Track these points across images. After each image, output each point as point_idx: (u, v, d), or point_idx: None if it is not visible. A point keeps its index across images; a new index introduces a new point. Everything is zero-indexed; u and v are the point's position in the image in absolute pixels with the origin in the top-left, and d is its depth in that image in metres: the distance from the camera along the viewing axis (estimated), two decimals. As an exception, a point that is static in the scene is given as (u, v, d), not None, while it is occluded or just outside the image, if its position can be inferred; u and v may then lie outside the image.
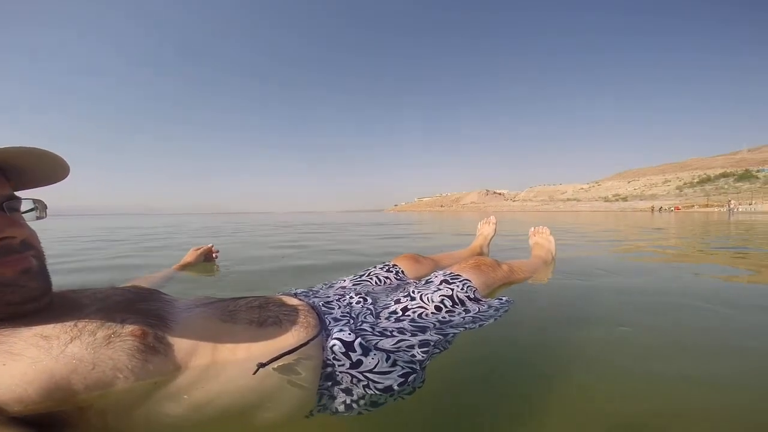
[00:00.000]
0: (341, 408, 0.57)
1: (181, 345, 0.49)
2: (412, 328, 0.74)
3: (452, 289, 0.96)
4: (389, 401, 0.60)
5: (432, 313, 0.86)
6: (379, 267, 1.37)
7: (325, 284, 1.23)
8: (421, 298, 0.91)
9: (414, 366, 0.62)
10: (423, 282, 1.05)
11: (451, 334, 0.76)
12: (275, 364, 0.52)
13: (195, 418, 0.47)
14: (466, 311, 0.91)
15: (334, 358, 0.58)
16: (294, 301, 0.67)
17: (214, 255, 2.09)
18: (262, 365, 0.50)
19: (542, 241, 2.10)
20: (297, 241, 3.95)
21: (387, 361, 0.59)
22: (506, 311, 0.97)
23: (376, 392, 0.57)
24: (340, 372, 0.57)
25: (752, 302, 1.28)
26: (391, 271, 1.35)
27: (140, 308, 0.52)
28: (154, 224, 9.69)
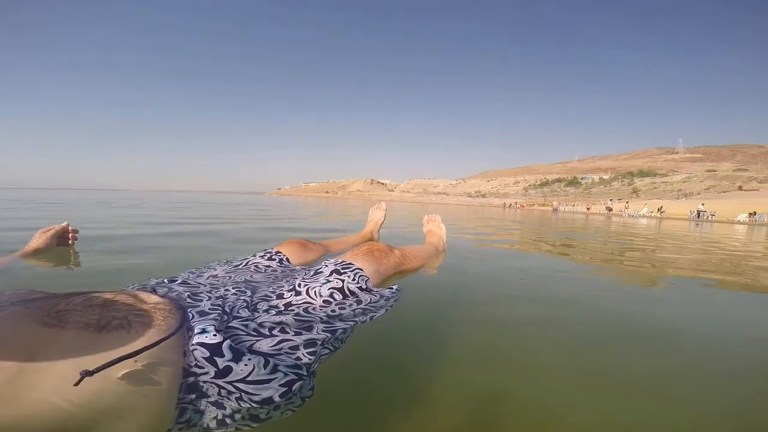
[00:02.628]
0: (213, 424, 0.48)
1: None
2: (297, 325, 0.65)
3: (343, 281, 0.90)
4: (275, 415, 0.51)
5: (320, 306, 0.78)
6: (259, 254, 1.23)
7: (192, 272, 1.04)
8: (307, 293, 0.82)
9: (299, 371, 0.52)
10: (311, 272, 0.96)
11: (341, 330, 0.68)
12: (118, 373, 0.39)
13: None
14: (358, 302, 0.85)
15: (196, 365, 0.46)
16: (151, 298, 0.52)
17: (70, 237, 1.63)
18: (88, 373, 0.37)
19: (435, 228, 2.14)
20: (166, 222, 3.42)
21: (265, 367, 0.49)
22: (396, 300, 0.94)
23: (253, 405, 0.47)
24: (204, 382, 0.46)
25: (556, 271, 1.60)
26: (274, 259, 1.22)
27: None
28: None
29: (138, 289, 0.71)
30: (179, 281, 0.86)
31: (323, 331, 0.66)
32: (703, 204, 24.76)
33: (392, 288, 0.99)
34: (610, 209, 29.36)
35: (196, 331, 0.50)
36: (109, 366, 0.38)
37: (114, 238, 2.23)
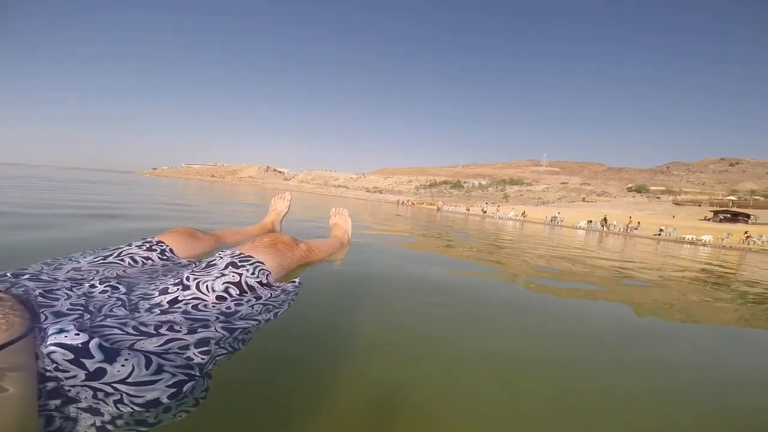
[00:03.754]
0: None
1: None
2: (188, 324, 0.59)
3: (240, 274, 0.83)
4: (165, 418, 0.47)
5: (213, 303, 0.71)
6: (136, 245, 1.06)
7: (47, 264, 0.85)
8: (197, 287, 0.73)
9: (190, 371, 0.49)
10: (203, 264, 0.86)
11: (240, 329, 0.64)
12: None
13: None
14: (257, 298, 0.79)
15: (56, 369, 0.40)
16: None
17: None
18: None
19: (341, 221, 2.12)
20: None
21: (147, 367, 0.45)
22: (297, 294, 0.91)
23: (136, 408, 0.43)
24: (73, 386, 0.41)
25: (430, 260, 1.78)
26: (155, 250, 1.06)
27: None
28: None
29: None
30: (27, 275, 0.69)
31: (221, 329, 0.60)
32: (559, 213, 29.89)
33: (294, 282, 0.96)
34: (485, 211, 33.39)
35: (51, 331, 0.42)
36: None
37: None
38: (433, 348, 0.87)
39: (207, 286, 0.75)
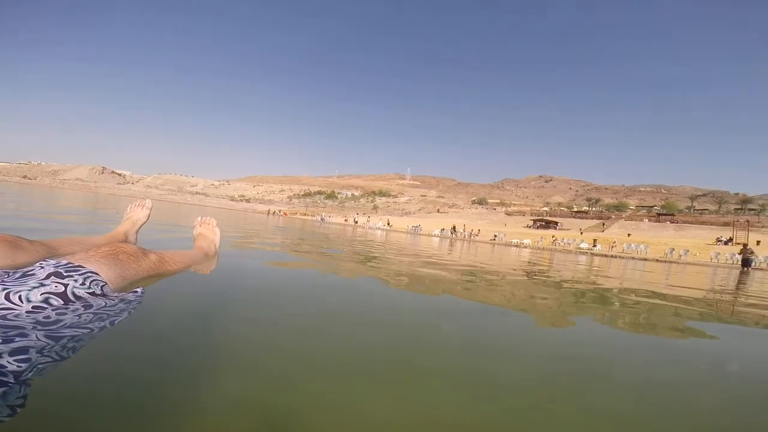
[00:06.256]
0: None
1: None
2: (2, 332, 0.53)
3: (66, 285, 0.73)
4: None
5: (27, 312, 0.64)
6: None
7: None
8: (7, 297, 0.64)
9: (3, 378, 0.46)
10: (18, 275, 0.74)
11: (68, 338, 0.59)
12: None
13: None
14: (86, 307, 0.73)
15: None
16: None
17: None
18: None
19: (207, 232, 1.97)
20: None
21: None
22: (140, 303, 0.84)
23: None
24: None
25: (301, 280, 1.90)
26: (-40, 259, 0.87)
27: None
28: None
29: None
30: None
31: (43, 338, 0.57)
32: (419, 225, 33.15)
33: (136, 291, 0.91)
34: (356, 222, 34.84)
35: None
36: None
37: None
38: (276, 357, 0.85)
39: (20, 296, 0.68)
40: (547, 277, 3.54)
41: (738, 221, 33.03)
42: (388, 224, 31.97)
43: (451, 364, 0.92)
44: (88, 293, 0.78)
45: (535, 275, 3.57)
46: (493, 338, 1.22)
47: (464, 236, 25.83)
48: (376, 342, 1.01)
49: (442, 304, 1.69)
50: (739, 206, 58.10)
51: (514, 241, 22.66)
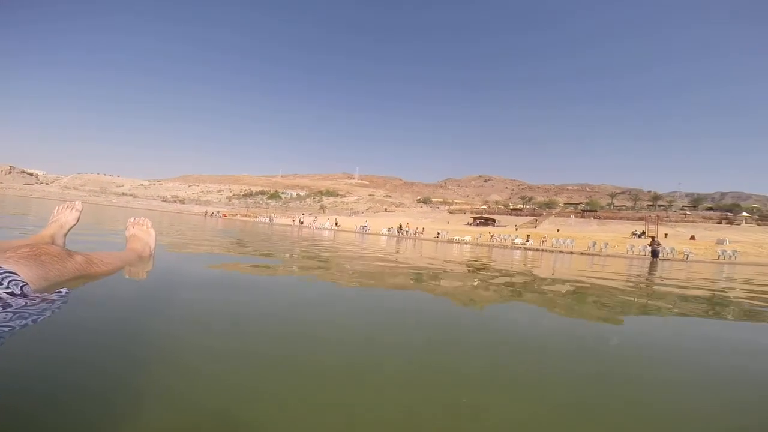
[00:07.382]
0: None
1: None
2: None
3: None
4: None
5: None
6: None
7: None
8: None
9: None
10: None
11: None
12: None
13: None
14: (4, 307, 0.73)
15: None
16: None
17: None
18: None
19: (141, 233, 1.89)
20: None
21: None
22: (64, 303, 0.85)
23: None
24: None
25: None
26: None
27: None
28: None
29: None
30: None
31: None
32: (367, 221, 33.32)
33: (60, 291, 0.90)
34: (302, 222, 34.23)
35: None
36: None
37: None
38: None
39: None
40: (486, 272, 3.81)
41: (650, 216, 37.53)
42: (336, 224, 31.77)
43: (400, 359, 0.92)
44: (6, 293, 0.78)
45: (477, 271, 3.84)
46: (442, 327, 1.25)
47: (410, 234, 26.51)
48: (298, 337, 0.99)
49: (393, 301, 1.74)
50: (651, 202, 65.35)
51: (456, 238, 23.68)
